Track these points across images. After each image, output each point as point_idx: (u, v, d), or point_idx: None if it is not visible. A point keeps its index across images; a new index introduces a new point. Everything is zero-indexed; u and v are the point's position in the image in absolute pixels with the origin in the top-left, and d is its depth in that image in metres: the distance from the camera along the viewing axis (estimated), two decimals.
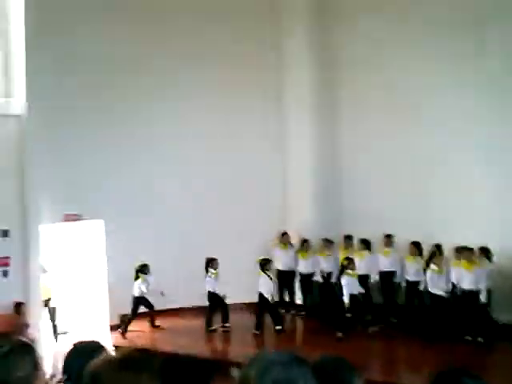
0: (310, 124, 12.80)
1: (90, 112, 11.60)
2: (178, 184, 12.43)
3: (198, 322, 11.40)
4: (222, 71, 12.63)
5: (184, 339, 10.65)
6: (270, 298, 10.92)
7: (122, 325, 11.48)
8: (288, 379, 1.62)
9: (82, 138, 11.56)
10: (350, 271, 10.56)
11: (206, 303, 11.41)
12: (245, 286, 11.30)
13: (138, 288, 11.35)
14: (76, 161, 11.51)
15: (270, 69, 12.97)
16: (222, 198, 12.62)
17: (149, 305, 11.64)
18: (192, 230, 12.34)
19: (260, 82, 12.81)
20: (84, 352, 2.83)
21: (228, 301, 11.33)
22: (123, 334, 11.31)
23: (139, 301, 11.47)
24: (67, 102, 11.19)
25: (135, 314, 11.49)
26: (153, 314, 11.71)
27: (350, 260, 10.75)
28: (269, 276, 11.03)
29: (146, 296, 11.50)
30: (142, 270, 11.39)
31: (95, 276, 12.00)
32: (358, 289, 10.63)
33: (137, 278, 11.36)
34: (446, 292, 10.11)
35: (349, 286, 10.44)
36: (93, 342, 3.09)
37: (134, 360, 2.11)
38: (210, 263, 11.35)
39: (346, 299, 10.40)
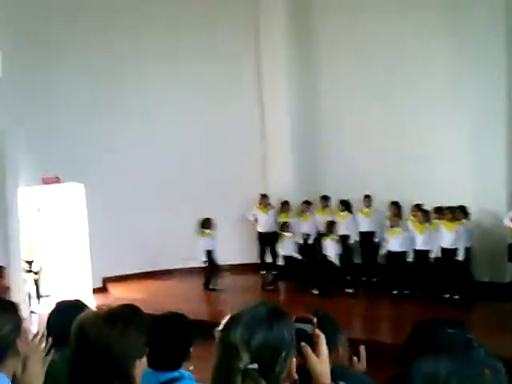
0: (289, 87, 12.65)
1: (69, 73, 11.46)
2: (153, 145, 12.28)
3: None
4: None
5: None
6: None
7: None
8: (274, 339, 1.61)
9: (61, 101, 11.43)
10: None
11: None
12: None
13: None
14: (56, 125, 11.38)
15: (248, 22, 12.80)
16: (200, 159, 12.57)
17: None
18: (168, 191, 12.18)
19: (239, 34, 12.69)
20: (67, 310, 2.84)
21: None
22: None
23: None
24: (44, 62, 11.09)
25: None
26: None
27: (331, 223, 10.93)
28: None
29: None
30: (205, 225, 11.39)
31: (76, 239, 11.94)
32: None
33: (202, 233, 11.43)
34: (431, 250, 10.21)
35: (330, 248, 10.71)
36: (76, 300, 3.17)
37: (122, 314, 2.12)
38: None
39: (335, 260, 10.70)
